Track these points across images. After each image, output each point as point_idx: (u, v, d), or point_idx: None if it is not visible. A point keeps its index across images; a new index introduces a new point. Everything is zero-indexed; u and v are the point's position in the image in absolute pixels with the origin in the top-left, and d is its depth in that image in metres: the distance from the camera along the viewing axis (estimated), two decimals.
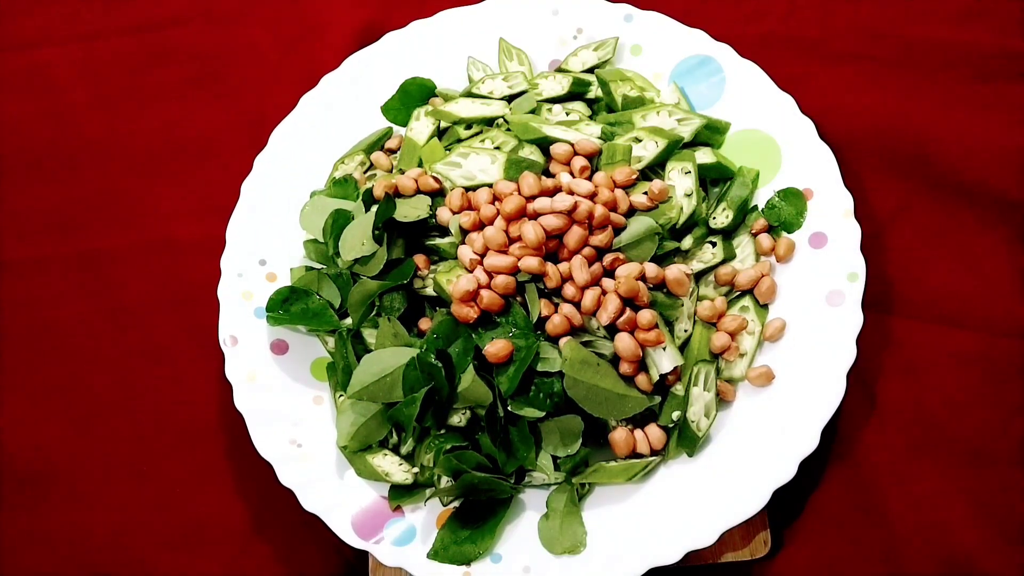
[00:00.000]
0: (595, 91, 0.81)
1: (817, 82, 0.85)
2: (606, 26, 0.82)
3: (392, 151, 0.83)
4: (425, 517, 0.71)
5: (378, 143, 0.83)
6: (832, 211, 0.73)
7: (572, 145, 0.74)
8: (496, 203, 0.72)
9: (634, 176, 0.73)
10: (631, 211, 0.72)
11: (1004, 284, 0.77)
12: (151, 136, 0.92)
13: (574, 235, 0.69)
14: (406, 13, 0.89)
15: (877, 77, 0.85)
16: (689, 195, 0.74)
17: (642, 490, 0.70)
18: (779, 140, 0.76)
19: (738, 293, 0.74)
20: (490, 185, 0.74)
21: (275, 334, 0.76)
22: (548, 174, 0.75)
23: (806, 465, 0.68)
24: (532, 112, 0.79)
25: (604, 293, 0.68)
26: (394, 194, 0.74)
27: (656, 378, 0.69)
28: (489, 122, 0.80)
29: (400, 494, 0.71)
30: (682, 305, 0.71)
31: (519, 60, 0.83)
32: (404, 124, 0.82)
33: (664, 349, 0.69)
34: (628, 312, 0.68)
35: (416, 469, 0.71)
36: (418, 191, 0.75)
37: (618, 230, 0.71)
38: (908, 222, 0.80)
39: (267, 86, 0.93)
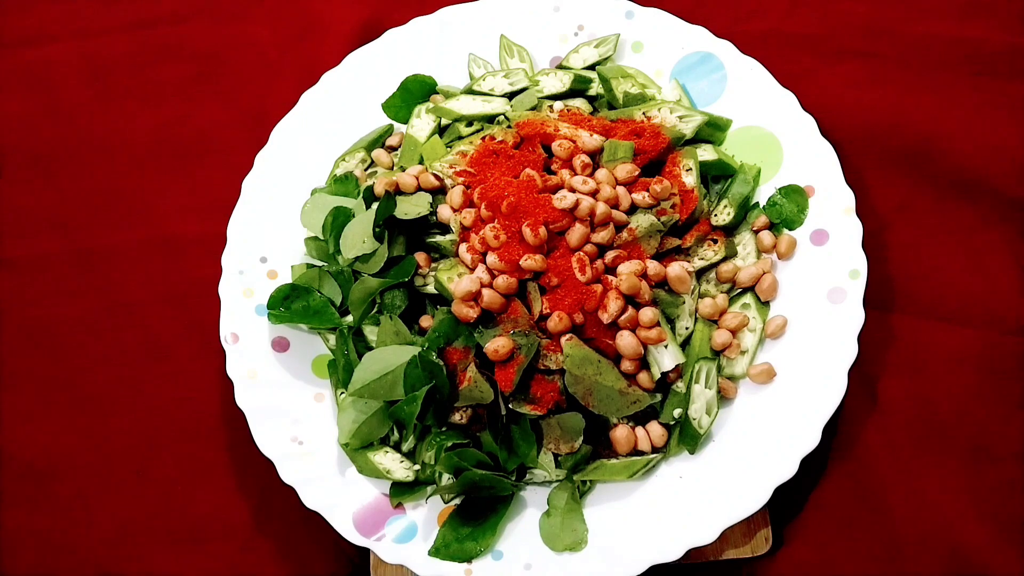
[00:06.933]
0: (596, 88, 0.80)
1: (818, 79, 0.85)
2: (607, 23, 0.82)
3: (393, 148, 0.83)
4: (426, 514, 0.71)
5: (379, 140, 0.82)
6: (834, 208, 0.73)
7: (574, 142, 0.74)
8: None
9: (636, 173, 0.73)
10: (633, 208, 0.72)
11: (1005, 281, 0.77)
12: (152, 133, 0.92)
13: (576, 233, 0.69)
14: (407, 10, 0.89)
15: (879, 74, 0.84)
16: None
17: (643, 487, 0.70)
18: (780, 137, 0.76)
19: (739, 290, 0.74)
20: (493, 119, 0.77)
21: (276, 331, 0.76)
22: (550, 171, 0.75)
23: (807, 462, 0.68)
24: (533, 109, 0.79)
25: (606, 291, 0.68)
26: (395, 191, 0.74)
27: (658, 376, 0.69)
28: (490, 119, 0.80)
29: (401, 491, 0.71)
30: (683, 303, 0.71)
31: (520, 57, 0.83)
32: (405, 121, 0.82)
33: (666, 347, 0.69)
34: (630, 310, 0.68)
35: (417, 466, 0.71)
36: (419, 188, 0.75)
37: (620, 227, 0.71)
38: (910, 219, 0.80)
39: (268, 83, 0.93)
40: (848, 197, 0.72)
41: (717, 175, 0.77)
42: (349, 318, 0.74)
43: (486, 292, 0.68)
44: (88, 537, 0.79)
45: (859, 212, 0.72)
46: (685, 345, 0.71)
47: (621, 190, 0.72)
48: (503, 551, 0.69)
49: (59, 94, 0.94)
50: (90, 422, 0.82)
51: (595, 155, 0.74)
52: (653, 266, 0.70)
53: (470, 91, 0.81)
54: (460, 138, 0.79)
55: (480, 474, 0.68)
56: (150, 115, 0.93)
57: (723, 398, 0.71)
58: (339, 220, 0.74)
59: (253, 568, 0.78)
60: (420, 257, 0.73)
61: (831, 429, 0.73)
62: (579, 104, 0.79)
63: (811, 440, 0.67)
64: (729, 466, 0.69)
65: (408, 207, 0.73)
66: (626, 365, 0.68)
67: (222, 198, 0.82)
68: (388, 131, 0.83)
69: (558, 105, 0.79)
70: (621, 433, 0.69)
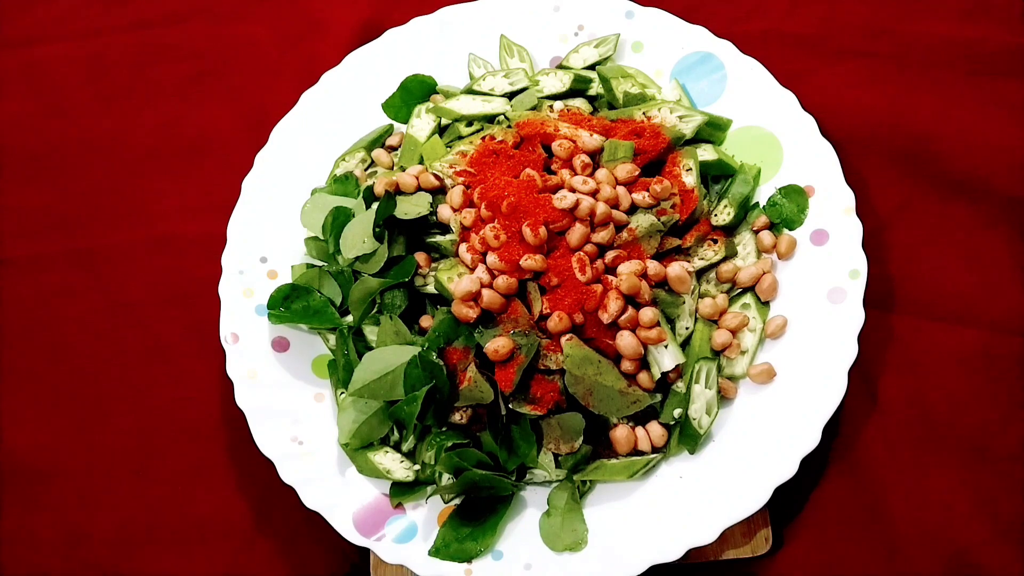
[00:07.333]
0: (596, 88, 0.80)
1: (818, 79, 0.85)
2: (607, 23, 0.82)
3: (393, 148, 0.83)
4: (426, 514, 0.71)
5: (379, 140, 0.82)
6: (834, 208, 0.73)
7: (574, 142, 0.74)
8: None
9: (636, 173, 0.73)
10: (633, 208, 0.72)
11: (1005, 281, 0.77)
12: (152, 133, 0.92)
13: (576, 233, 0.69)
14: (407, 10, 0.89)
15: (878, 74, 0.84)
16: None
17: (643, 487, 0.70)
18: (780, 137, 0.76)
19: (739, 290, 0.74)
20: (493, 119, 0.76)
21: (276, 331, 0.76)
22: (550, 171, 0.75)
23: (807, 462, 0.68)
24: (533, 109, 0.79)
25: (606, 291, 0.68)
26: (395, 191, 0.74)
27: (658, 376, 0.69)
28: (490, 119, 0.80)
29: (401, 491, 0.71)
30: (683, 303, 0.71)
31: (520, 57, 0.83)
32: (405, 121, 0.82)
33: (666, 347, 0.69)
34: (630, 310, 0.68)
35: (417, 466, 0.71)
36: (419, 188, 0.75)
37: (620, 227, 0.71)
38: (910, 219, 0.80)
39: (268, 83, 0.93)
40: (848, 197, 0.72)
41: (717, 175, 0.77)
42: (349, 318, 0.74)
43: (486, 292, 0.68)
44: (88, 537, 0.79)
45: (859, 212, 0.72)
46: (685, 345, 0.71)
47: (621, 190, 0.72)
48: (503, 551, 0.69)
49: (59, 94, 0.94)
50: (90, 422, 0.82)
51: (595, 155, 0.74)
52: (653, 266, 0.70)
53: (470, 91, 0.81)
54: (460, 138, 0.79)
55: (480, 474, 0.68)
56: (150, 115, 0.93)
57: (723, 398, 0.71)
58: (339, 220, 0.74)
59: (253, 568, 0.78)
60: (420, 257, 0.73)
61: (831, 429, 0.73)
62: (579, 104, 0.79)
63: (811, 440, 0.67)
64: (729, 466, 0.69)
65: (408, 207, 0.73)
66: (626, 365, 0.68)
67: (222, 198, 0.82)
68: (388, 131, 0.83)
69: (558, 105, 0.79)
70: (621, 433, 0.69)
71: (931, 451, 0.73)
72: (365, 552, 0.76)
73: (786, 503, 0.73)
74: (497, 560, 0.69)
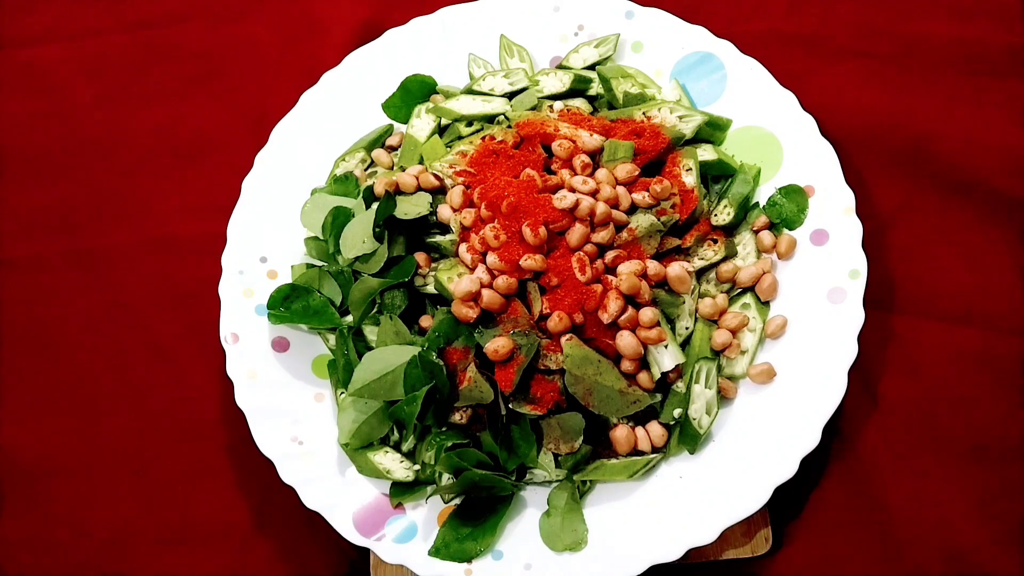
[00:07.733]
0: (596, 88, 0.80)
1: (818, 79, 0.85)
2: (607, 23, 0.82)
3: (393, 148, 0.83)
4: (426, 514, 0.71)
5: (379, 140, 0.82)
6: (833, 208, 0.73)
7: (574, 142, 0.74)
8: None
9: (636, 173, 0.73)
10: (633, 208, 0.72)
11: (1005, 281, 0.77)
12: (152, 134, 0.92)
13: (576, 233, 0.69)
14: (407, 10, 0.89)
15: (878, 74, 0.84)
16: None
17: (643, 487, 0.70)
18: (780, 137, 0.76)
19: (739, 290, 0.74)
20: (493, 119, 0.76)
21: (276, 331, 0.76)
22: (550, 171, 0.75)
23: (807, 462, 0.68)
24: (533, 109, 0.79)
25: (606, 291, 0.68)
26: (395, 191, 0.74)
27: (658, 376, 0.69)
28: (490, 119, 0.80)
29: (401, 491, 0.71)
30: (683, 303, 0.71)
31: (520, 57, 0.83)
32: (405, 121, 0.82)
33: (666, 347, 0.69)
34: (630, 310, 0.68)
35: (417, 466, 0.71)
36: (419, 188, 0.75)
37: (620, 227, 0.71)
38: (910, 219, 0.80)
39: (268, 83, 0.93)
40: (848, 197, 0.72)
41: (717, 175, 0.77)
42: (349, 318, 0.74)
43: (486, 292, 0.68)
44: (87, 537, 0.79)
45: (859, 212, 0.72)
46: (685, 345, 0.71)
47: (621, 190, 0.72)
48: (503, 551, 0.69)
49: (59, 94, 0.94)
50: (90, 422, 0.82)
51: (595, 155, 0.74)
52: (653, 266, 0.70)
53: (470, 91, 0.81)
54: (460, 138, 0.79)
55: (480, 474, 0.68)
56: (150, 115, 0.93)
57: (723, 398, 0.71)
58: (339, 220, 0.74)
59: (253, 568, 0.78)
60: (420, 257, 0.73)
61: (831, 429, 0.73)
62: (579, 104, 0.79)
63: (811, 440, 0.67)
64: (729, 466, 0.69)
65: (408, 207, 0.73)
66: (626, 365, 0.68)
67: (222, 198, 0.82)
68: (388, 131, 0.83)
69: (558, 105, 0.79)
70: (621, 433, 0.69)
71: (931, 451, 0.73)
72: (365, 552, 0.76)
73: (786, 503, 0.73)
74: (497, 560, 0.69)
